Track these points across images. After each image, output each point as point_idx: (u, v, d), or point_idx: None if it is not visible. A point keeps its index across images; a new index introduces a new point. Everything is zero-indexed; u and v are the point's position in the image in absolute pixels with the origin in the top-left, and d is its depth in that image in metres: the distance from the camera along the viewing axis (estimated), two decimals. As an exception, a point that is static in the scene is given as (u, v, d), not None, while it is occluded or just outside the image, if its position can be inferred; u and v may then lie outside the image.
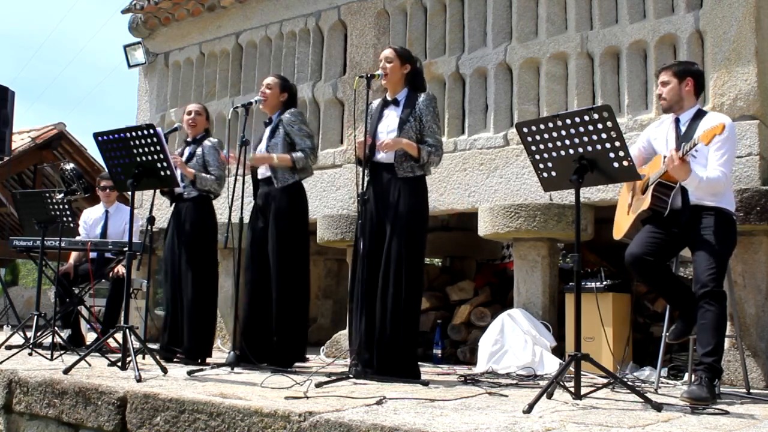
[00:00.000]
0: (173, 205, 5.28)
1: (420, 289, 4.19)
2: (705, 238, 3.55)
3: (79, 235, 6.15)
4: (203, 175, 5.09)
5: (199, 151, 5.18)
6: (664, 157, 3.70)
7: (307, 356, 5.01)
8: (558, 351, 4.99)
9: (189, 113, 5.34)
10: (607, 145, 3.31)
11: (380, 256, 4.14)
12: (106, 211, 6.34)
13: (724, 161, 3.61)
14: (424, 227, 4.24)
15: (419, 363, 4.20)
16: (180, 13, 7.55)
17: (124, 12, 7.89)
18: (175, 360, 4.92)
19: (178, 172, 4.95)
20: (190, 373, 4.05)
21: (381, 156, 4.23)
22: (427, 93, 4.32)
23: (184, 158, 5.19)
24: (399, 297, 4.05)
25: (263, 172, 4.76)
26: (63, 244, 5.41)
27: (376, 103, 4.42)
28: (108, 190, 6.31)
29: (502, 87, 5.74)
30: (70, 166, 5.68)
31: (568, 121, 3.34)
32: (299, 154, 4.65)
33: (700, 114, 3.79)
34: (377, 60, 4.44)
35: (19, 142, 11.62)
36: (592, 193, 5.02)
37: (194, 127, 5.30)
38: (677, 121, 3.84)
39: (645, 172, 3.87)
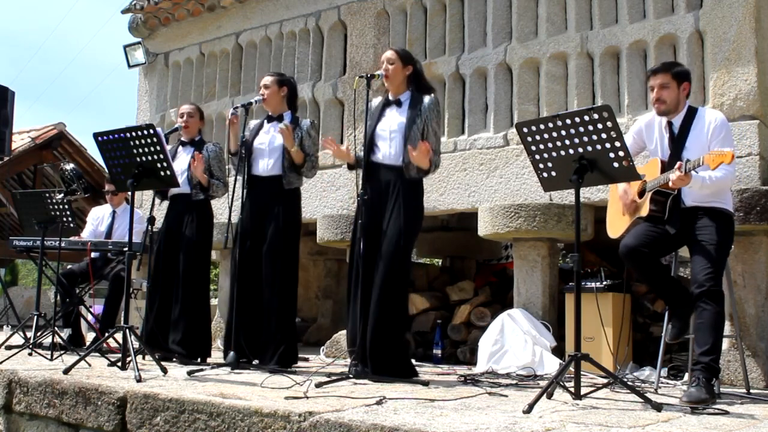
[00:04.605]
0: (164, 203, 5.30)
1: (405, 291, 4.19)
2: (702, 237, 3.55)
3: (79, 234, 6.15)
4: (216, 182, 5.19)
5: (204, 155, 5.21)
6: (662, 162, 3.70)
7: (307, 357, 5.00)
8: (558, 351, 4.99)
9: (181, 115, 5.39)
10: (607, 145, 3.31)
11: (375, 255, 4.14)
12: (114, 211, 6.41)
13: None
14: (417, 230, 4.25)
15: (419, 363, 4.20)
16: (180, 13, 7.55)
17: (124, 12, 7.89)
18: (173, 360, 4.92)
19: (183, 176, 4.97)
20: (190, 373, 4.05)
21: (380, 156, 4.23)
22: (432, 96, 4.30)
23: (179, 159, 5.21)
24: (385, 299, 4.05)
25: (267, 170, 4.75)
26: (63, 244, 5.42)
27: (376, 101, 4.40)
28: (111, 195, 6.39)
29: (502, 87, 5.74)
30: (70, 166, 5.70)
31: (568, 121, 3.34)
32: (308, 162, 4.79)
33: (691, 113, 3.77)
34: (378, 60, 4.44)
35: (19, 142, 11.61)
36: (592, 193, 5.02)
37: (186, 129, 5.34)
38: (670, 124, 3.80)
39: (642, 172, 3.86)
